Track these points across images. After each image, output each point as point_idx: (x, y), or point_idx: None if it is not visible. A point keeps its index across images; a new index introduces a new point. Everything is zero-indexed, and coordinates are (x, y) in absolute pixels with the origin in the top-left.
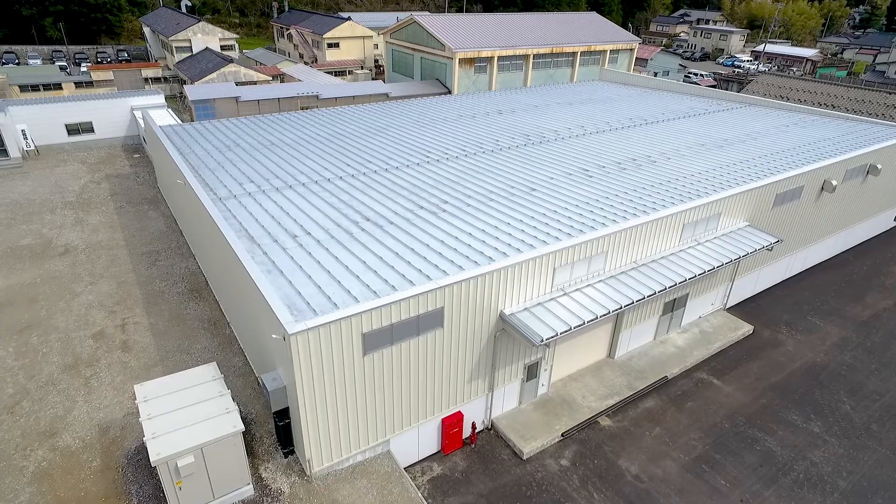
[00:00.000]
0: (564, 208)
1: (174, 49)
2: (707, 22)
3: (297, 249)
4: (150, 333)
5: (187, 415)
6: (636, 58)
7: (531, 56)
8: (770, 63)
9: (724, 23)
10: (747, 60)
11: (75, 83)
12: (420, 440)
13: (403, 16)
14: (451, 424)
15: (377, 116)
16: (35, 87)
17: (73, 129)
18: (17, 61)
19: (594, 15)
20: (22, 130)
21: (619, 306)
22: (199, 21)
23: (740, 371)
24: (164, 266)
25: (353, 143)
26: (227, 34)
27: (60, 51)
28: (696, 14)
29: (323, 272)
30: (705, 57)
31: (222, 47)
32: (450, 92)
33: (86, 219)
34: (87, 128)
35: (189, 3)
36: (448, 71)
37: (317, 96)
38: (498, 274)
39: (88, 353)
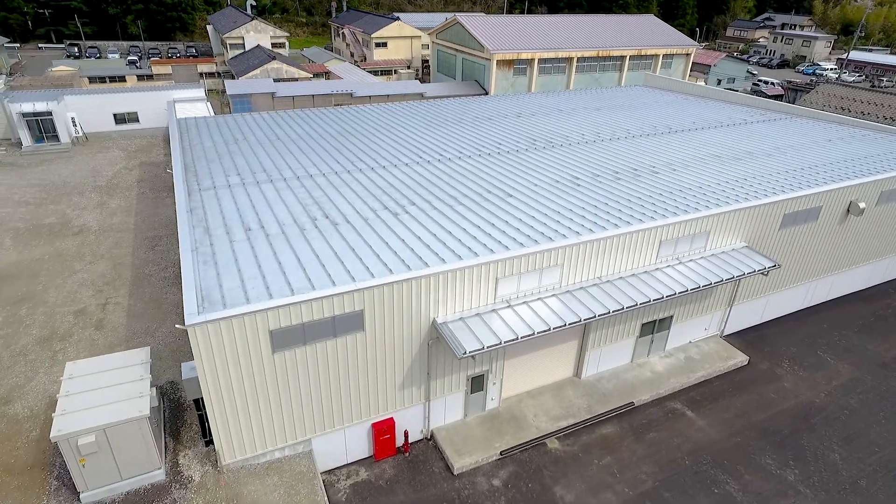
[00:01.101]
0: (531, 217)
1: (228, 46)
2: (793, 27)
3: (243, 243)
4: (125, 314)
5: (101, 395)
6: (698, 64)
7: (574, 59)
8: (858, 72)
9: (813, 28)
10: (831, 69)
11: (138, 76)
12: (348, 443)
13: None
14: (382, 431)
15: (391, 115)
16: (102, 79)
17: (120, 119)
18: (98, 55)
19: (651, 18)
20: (72, 118)
21: (563, 324)
22: (253, 20)
23: (721, 405)
24: (161, 251)
25: (354, 141)
26: (278, 32)
27: (137, 46)
28: (780, 18)
29: (254, 266)
30: (784, 64)
31: (273, 45)
32: (487, 93)
33: (107, 202)
34: (133, 118)
35: (254, 3)
36: (486, 72)
37: (351, 94)
38: (428, 280)
39: (65, 329)
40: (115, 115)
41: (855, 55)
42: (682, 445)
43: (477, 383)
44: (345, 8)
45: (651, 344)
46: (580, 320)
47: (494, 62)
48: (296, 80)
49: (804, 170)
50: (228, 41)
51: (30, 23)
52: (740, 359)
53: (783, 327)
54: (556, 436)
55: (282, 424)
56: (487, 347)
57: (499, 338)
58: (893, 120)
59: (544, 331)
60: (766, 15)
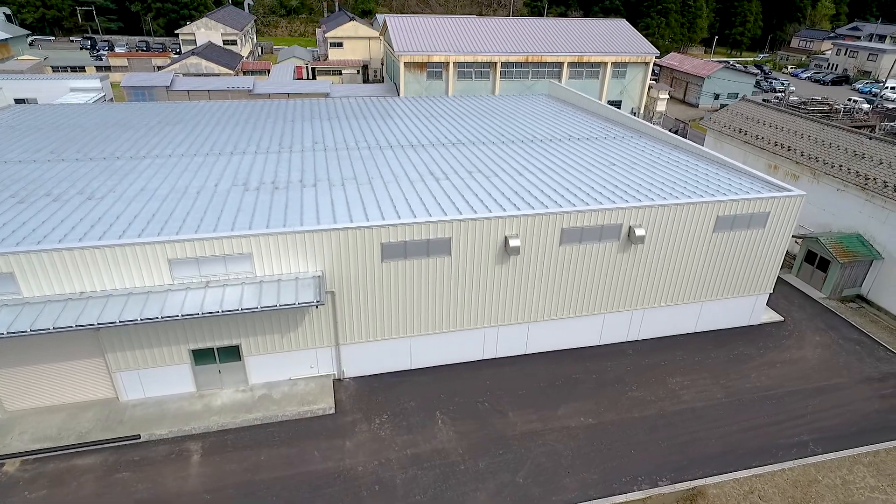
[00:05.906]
0: (60, 221)
1: (182, 42)
2: (883, 39)
3: None
4: None
5: None
6: (692, 76)
7: (498, 64)
8: None
9: None
10: (891, 88)
11: (96, 67)
12: None
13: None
14: None
15: (211, 112)
16: (64, 69)
17: (20, 102)
18: (107, 48)
19: (620, 23)
20: None
21: None
22: (204, 17)
23: (243, 455)
24: None
25: (123, 133)
26: (230, 30)
27: (146, 41)
28: (869, 28)
29: None
30: (843, 80)
31: (225, 42)
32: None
33: None
34: (33, 102)
35: (251, 3)
36: (399, 74)
37: (249, 91)
38: None
39: None
40: (15, 100)
41: None
42: (138, 493)
43: None
44: (337, 8)
45: (220, 374)
46: None
47: (402, 64)
48: (217, 75)
49: (508, 195)
50: (182, 37)
51: (80, 17)
52: (321, 406)
53: (435, 377)
54: (23, 458)
55: None
56: None
57: None
58: (783, 146)
59: None
60: (853, 24)
